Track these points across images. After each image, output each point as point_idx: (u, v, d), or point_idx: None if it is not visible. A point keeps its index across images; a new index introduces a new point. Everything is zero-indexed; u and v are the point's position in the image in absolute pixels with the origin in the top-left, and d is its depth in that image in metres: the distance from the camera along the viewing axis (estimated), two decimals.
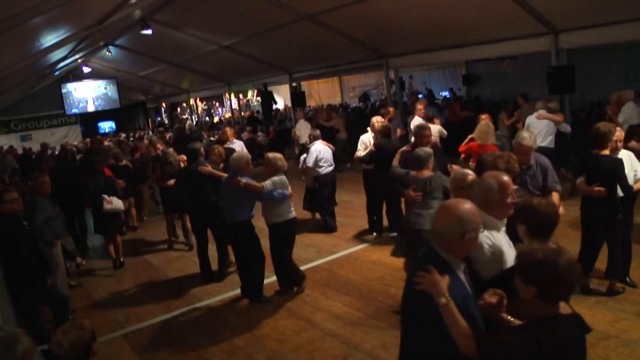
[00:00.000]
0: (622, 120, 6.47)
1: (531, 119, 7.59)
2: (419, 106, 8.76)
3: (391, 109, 9.16)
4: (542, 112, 7.51)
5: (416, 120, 8.14)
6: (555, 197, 4.05)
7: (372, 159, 6.66)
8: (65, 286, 5.56)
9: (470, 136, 6.27)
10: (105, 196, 6.70)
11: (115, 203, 6.75)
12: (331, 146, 7.78)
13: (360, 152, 6.99)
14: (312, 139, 7.65)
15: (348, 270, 5.93)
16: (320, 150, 7.45)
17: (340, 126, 12.93)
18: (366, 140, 7.03)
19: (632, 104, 7.55)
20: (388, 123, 7.09)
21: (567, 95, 8.92)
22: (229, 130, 8.98)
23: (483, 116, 6.81)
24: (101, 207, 6.67)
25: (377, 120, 6.91)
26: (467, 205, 2.18)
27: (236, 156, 5.41)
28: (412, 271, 2.18)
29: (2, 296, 4.24)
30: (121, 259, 7.04)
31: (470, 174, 3.33)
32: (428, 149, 4.78)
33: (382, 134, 6.59)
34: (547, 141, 7.28)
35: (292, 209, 5.27)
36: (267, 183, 5.10)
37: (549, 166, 4.23)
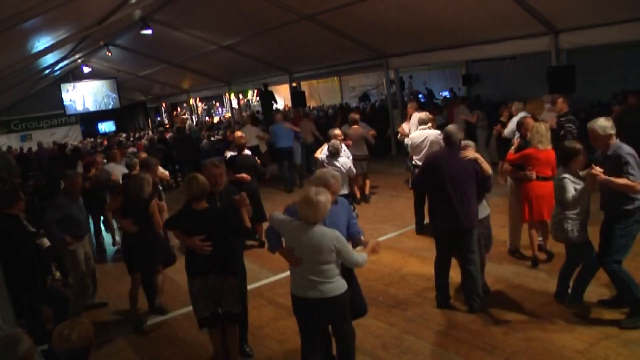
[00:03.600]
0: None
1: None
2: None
3: (357, 116, 9.06)
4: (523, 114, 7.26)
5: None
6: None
7: None
8: (82, 289, 5.40)
9: (516, 142, 5.61)
10: None
11: None
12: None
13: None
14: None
15: None
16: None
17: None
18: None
19: (548, 105, 7.76)
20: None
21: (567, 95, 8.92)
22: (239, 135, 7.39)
23: (528, 119, 6.03)
24: None
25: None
26: None
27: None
28: None
29: (2, 296, 4.24)
30: None
31: None
32: None
33: None
34: None
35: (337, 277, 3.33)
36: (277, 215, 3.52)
37: None
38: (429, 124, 6.88)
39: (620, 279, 4.00)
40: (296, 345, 4.35)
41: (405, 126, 8.87)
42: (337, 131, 7.12)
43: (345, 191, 6.57)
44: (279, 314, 4.97)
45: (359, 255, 3.36)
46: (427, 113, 7.22)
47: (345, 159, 6.67)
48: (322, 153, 6.95)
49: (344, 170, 6.55)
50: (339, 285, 3.31)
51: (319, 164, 6.83)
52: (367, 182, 8.95)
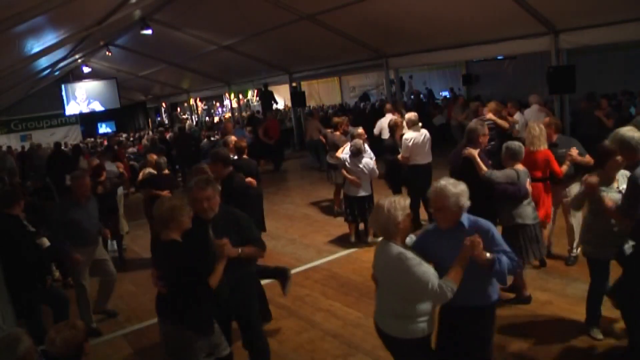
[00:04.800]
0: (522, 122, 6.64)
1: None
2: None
3: (344, 119, 8.66)
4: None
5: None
6: None
7: None
8: (86, 309, 5.14)
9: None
10: None
11: None
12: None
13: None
14: None
15: (348, 270, 5.92)
16: None
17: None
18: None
19: (536, 106, 8.00)
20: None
21: (568, 96, 8.93)
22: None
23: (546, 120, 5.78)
24: None
25: None
26: None
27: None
28: None
29: (2, 296, 4.23)
30: None
31: None
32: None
33: None
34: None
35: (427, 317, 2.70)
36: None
37: None
38: (420, 124, 6.81)
39: (631, 319, 3.40)
40: (296, 345, 4.35)
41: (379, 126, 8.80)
42: (360, 130, 6.82)
43: (364, 192, 6.38)
44: (279, 314, 4.98)
45: (443, 281, 2.37)
46: (415, 113, 6.98)
47: (368, 159, 6.36)
48: (344, 152, 6.68)
49: (367, 172, 6.29)
50: (411, 329, 2.56)
51: (341, 164, 6.66)
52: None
